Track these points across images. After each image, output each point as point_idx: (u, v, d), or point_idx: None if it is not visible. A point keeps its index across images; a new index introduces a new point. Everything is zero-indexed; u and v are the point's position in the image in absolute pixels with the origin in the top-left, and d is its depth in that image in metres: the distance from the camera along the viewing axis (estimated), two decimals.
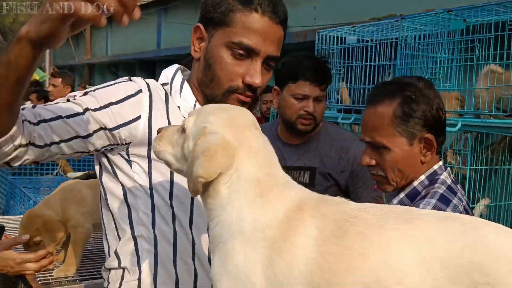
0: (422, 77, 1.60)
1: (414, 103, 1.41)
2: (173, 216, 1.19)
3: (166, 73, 1.28)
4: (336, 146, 2.16)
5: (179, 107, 1.23)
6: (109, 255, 1.24)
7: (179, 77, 1.27)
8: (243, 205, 0.86)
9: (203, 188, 0.89)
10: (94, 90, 1.17)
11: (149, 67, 15.50)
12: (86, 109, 1.12)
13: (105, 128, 1.13)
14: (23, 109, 1.04)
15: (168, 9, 14.57)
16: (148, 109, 1.18)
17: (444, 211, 1.38)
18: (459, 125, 2.91)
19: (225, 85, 1.18)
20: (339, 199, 0.89)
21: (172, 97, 1.24)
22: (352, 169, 2.13)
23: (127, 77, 1.24)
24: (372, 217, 0.81)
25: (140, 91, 1.18)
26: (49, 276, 1.64)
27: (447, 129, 2.97)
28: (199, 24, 1.21)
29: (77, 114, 1.11)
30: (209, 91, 1.21)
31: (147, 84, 1.22)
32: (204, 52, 1.20)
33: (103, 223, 1.26)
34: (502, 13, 2.88)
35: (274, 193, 0.87)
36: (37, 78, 11.06)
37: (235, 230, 0.85)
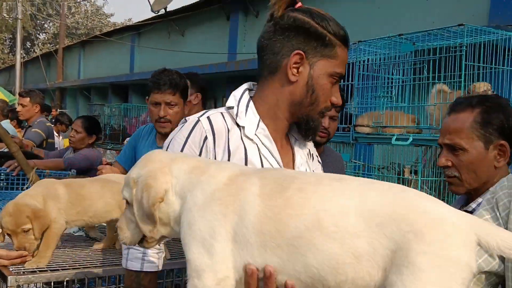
0: (499, 95, 1.81)
1: (494, 112, 1.59)
2: None
3: (235, 94, 1.41)
4: (332, 159, 2.66)
5: (243, 127, 1.36)
6: None
7: (245, 98, 1.40)
8: (192, 189, 1.01)
9: (164, 225, 1.03)
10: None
11: (122, 91, 15.55)
12: None
13: None
14: None
15: (141, 33, 14.76)
16: (213, 150, 1.32)
17: None
18: (410, 139, 3.17)
19: (321, 106, 1.37)
20: (278, 168, 1.05)
21: (238, 117, 1.37)
22: None
23: (196, 119, 1.35)
24: (309, 177, 0.97)
25: (206, 138, 1.32)
26: (21, 267, 1.73)
27: (399, 143, 3.24)
28: (301, 52, 1.31)
29: None
30: (305, 111, 1.37)
31: (211, 125, 1.34)
32: (307, 78, 1.33)
33: None
34: (446, 38, 3.18)
35: (213, 169, 1.03)
36: (7, 100, 10.99)
37: (191, 206, 0.99)
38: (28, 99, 5.10)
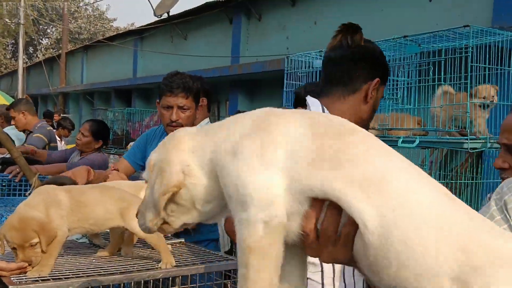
0: None
1: None
2: None
3: (318, 110, 1.55)
4: None
5: None
6: None
7: (327, 113, 1.54)
8: (214, 149, 0.85)
9: (187, 211, 0.89)
10: None
11: (125, 96, 15.56)
12: None
13: None
14: None
15: (144, 38, 14.77)
16: None
17: None
18: (417, 141, 3.13)
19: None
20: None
21: None
22: None
23: None
24: (379, 142, 0.83)
25: None
26: (23, 276, 1.70)
27: (405, 145, 3.20)
28: (379, 79, 1.56)
29: None
30: (365, 125, 1.57)
31: None
32: (375, 100, 1.57)
33: None
34: (452, 39, 3.15)
35: (231, 120, 0.88)
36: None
37: (220, 158, 0.83)
38: (12, 110, 5.11)
